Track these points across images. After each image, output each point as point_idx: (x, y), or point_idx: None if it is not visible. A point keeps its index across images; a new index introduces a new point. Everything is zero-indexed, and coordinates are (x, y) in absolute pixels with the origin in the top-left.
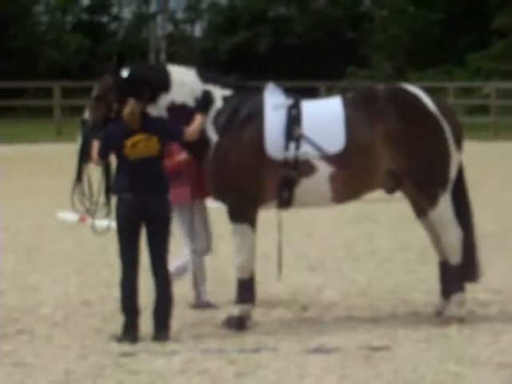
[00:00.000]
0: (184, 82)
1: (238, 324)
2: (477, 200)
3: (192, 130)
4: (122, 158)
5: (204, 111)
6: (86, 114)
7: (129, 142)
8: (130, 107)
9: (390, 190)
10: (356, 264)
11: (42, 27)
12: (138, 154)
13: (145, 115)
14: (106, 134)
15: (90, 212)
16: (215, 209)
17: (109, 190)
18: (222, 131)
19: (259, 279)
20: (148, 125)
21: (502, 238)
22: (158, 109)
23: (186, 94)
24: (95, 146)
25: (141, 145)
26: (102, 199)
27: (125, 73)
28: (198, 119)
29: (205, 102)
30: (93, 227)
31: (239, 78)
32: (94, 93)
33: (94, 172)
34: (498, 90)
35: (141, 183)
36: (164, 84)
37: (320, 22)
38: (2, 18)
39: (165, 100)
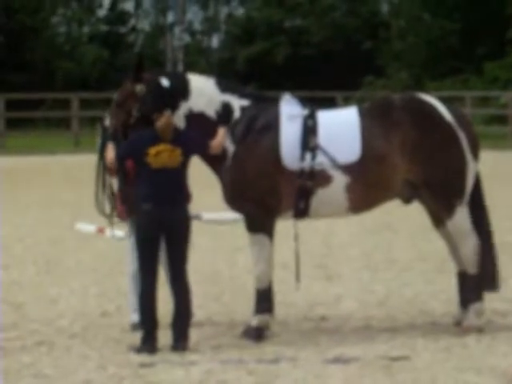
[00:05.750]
0: (203, 90)
1: (257, 334)
2: (495, 209)
3: (216, 143)
4: (143, 167)
5: (226, 123)
6: (107, 121)
7: (153, 151)
8: (166, 119)
9: (407, 200)
10: (374, 274)
11: (60, 38)
12: (161, 163)
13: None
14: (130, 140)
15: (109, 218)
16: (231, 220)
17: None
18: (238, 141)
19: (277, 289)
20: (174, 136)
21: None
22: (177, 117)
23: (205, 103)
24: (110, 148)
25: (164, 155)
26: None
27: (165, 82)
28: (221, 132)
29: (226, 114)
30: (113, 234)
31: (256, 89)
32: (114, 99)
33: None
34: None
35: (161, 194)
36: (184, 92)
37: (337, 32)
38: (21, 31)
39: (183, 108)
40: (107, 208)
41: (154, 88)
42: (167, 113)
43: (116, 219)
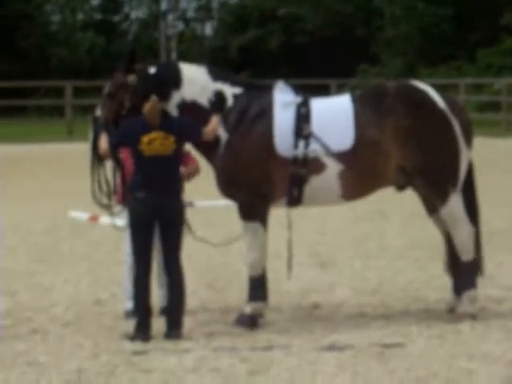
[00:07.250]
0: (195, 79)
1: (250, 322)
2: (488, 197)
3: (209, 130)
4: (136, 154)
5: (218, 112)
6: (98, 112)
7: (145, 138)
8: (151, 104)
9: (401, 187)
10: (368, 261)
11: (54, 26)
12: (154, 151)
13: (165, 114)
14: (122, 127)
15: (107, 209)
16: (226, 206)
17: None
18: (231, 129)
19: (271, 277)
20: (167, 124)
21: None
22: (169, 106)
23: (197, 92)
24: (103, 138)
25: (157, 142)
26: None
27: (152, 70)
28: (214, 120)
29: (219, 102)
30: (112, 223)
31: (250, 76)
32: (106, 90)
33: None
34: (509, 85)
35: (154, 182)
36: (176, 81)
37: (331, 19)
38: (15, 17)
39: (176, 97)
40: (104, 199)
41: (142, 77)
42: (153, 98)
43: (117, 208)
